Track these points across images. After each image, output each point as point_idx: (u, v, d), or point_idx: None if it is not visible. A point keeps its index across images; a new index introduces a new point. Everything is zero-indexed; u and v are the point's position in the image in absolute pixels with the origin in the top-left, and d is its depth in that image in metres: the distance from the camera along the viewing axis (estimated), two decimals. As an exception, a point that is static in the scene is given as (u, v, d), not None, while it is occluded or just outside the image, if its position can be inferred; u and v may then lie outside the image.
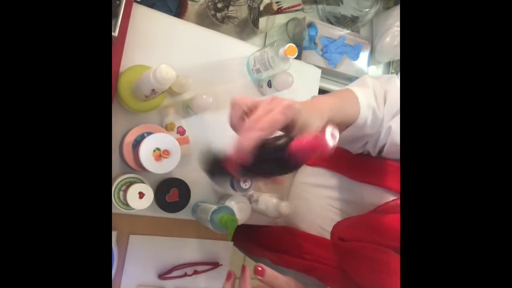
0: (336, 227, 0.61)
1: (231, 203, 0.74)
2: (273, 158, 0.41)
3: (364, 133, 0.59)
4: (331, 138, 0.39)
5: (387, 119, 0.59)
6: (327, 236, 0.67)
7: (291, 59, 0.72)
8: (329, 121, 0.48)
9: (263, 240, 0.85)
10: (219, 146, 0.47)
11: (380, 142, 0.60)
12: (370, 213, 0.59)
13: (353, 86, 0.61)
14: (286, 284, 0.47)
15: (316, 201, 0.75)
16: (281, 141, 0.41)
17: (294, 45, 0.69)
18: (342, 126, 0.55)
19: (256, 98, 0.44)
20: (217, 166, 0.47)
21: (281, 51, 0.70)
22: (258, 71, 0.80)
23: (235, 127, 0.44)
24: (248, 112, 0.43)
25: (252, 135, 0.39)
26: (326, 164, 0.76)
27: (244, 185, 0.77)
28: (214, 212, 0.67)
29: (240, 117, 0.43)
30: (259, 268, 0.46)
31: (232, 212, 0.69)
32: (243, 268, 0.50)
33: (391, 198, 0.59)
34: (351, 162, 0.68)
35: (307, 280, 0.72)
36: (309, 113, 0.43)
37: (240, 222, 0.73)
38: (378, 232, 0.53)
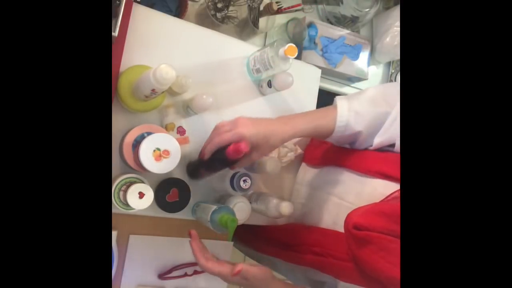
0: (350, 215, 0.61)
1: (231, 203, 0.74)
2: (219, 158, 0.64)
3: (352, 132, 0.69)
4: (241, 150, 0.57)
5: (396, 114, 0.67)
6: (339, 230, 0.67)
7: (291, 59, 0.72)
8: (298, 136, 0.66)
9: (268, 236, 0.85)
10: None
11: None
12: (382, 202, 0.60)
13: (342, 98, 0.71)
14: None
15: (327, 198, 0.74)
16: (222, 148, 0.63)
17: (294, 45, 0.69)
18: (319, 135, 0.70)
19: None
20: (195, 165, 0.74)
21: (281, 51, 0.70)
22: (258, 71, 0.80)
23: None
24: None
25: (211, 145, 0.64)
26: (333, 162, 0.76)
27: (244, 185, 0.77)
28: (214, 212, 0.67)
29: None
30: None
31: (232, 212, 0.69)
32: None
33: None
34: (357, 157, 0.71)
35: (318, 276, 0.72)
36: (259, 137, 0.62)
37: (240, 222, 0.73)
38: (394, 220, 0.53)
